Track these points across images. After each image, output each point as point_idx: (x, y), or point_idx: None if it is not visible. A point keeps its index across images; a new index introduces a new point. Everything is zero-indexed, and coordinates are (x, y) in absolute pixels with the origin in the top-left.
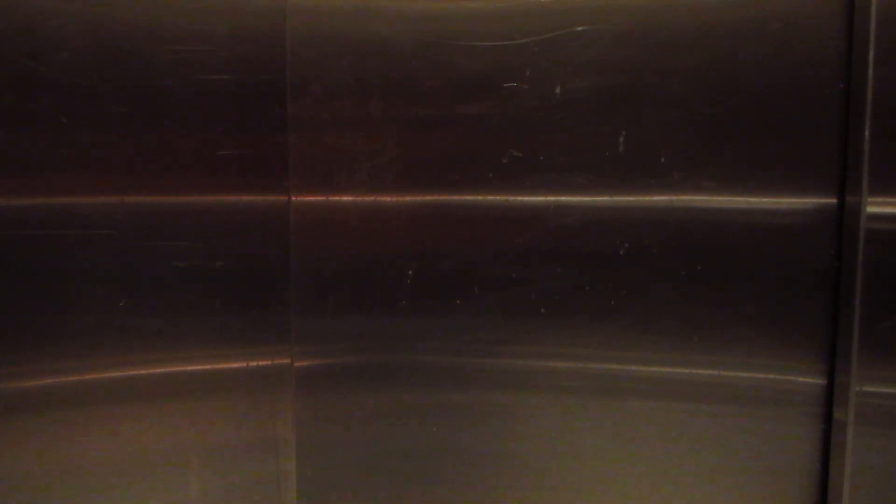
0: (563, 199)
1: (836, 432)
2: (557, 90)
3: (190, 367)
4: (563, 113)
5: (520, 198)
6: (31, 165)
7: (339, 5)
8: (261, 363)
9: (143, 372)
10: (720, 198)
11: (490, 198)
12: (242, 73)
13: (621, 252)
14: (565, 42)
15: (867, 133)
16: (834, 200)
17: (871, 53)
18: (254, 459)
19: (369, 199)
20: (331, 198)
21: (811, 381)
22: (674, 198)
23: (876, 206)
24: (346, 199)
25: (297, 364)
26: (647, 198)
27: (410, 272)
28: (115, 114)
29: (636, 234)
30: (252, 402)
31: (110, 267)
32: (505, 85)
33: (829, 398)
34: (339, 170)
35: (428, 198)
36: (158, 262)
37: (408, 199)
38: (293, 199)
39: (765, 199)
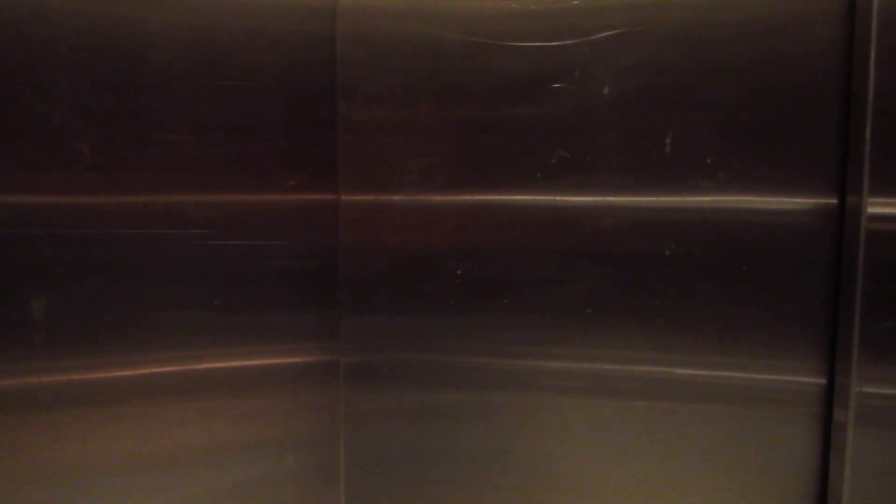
0: (609, 199)
1: (836, 432)
2: (605, 90)
3: (240, 363)
4: (611, 113)
5: (567, 198)
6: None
7: (388, 6)
8: (310, 359)
9: (193, 367)
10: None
11: (537, 198)
12: (293, 75)
13: (667, 252)
14: (613, 42)
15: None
16: (834, 200)
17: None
18: (304, 452)
19: (418, 198)
20: (379, 197)
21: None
22: (719, 198)
23: (877, 207)
24: (395, 198)
25: (344, 361)
26: (693, 198)
27: (458, 271)
28: (190, 114)
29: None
30: (302, 398)
31: (175, 265)
32: (553, 86)
33: (830, 398)
34: (388, 169)
35: (476, 197)
36: (211, 260)
37: (456, 198)
38: (342, 198)
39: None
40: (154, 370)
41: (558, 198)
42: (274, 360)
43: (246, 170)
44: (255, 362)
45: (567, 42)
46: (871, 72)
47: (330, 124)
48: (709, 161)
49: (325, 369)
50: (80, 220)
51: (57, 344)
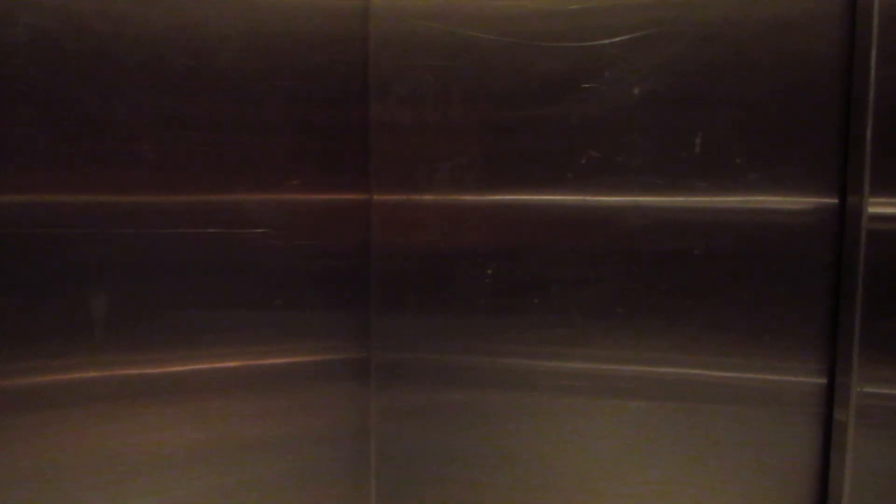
0: (640, 199)
1: (836, 432)
2: (636, 91)
3: (275, 361)
4: (641, 114)
5: (597, 198)
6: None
7: (420, 7)
8: (343, 357)
9: (229, 364)
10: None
11: (567, 198)
12: (325, 76)
13: (696, 252)
14: (644, 42)
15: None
16: (835, 200)
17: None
18: (337, 445)
19: (448, 198)
20: (411, 197)
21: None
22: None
23: (878, 207)
24: (426, 198)
25: (376, 358)
26: (722, 198)
27: (489, 270)
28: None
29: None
30: (334, 393)
31: (208, 264)
32: (584, 86)
33: (830, 398)
34: (420, 169)
35: (506, 197)
36: (246, 258)
37: (486, 198)
38: (374, 198)
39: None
40: (193, 367)
41: (588, 198)
42: (307, 358)
43: (279, 170)
44: (289, 360)
45: (598, 42)
46: (872, 71)
47: (362, 125)
48: (736, 160)
49: (357, 367)
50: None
51: (113, 340)
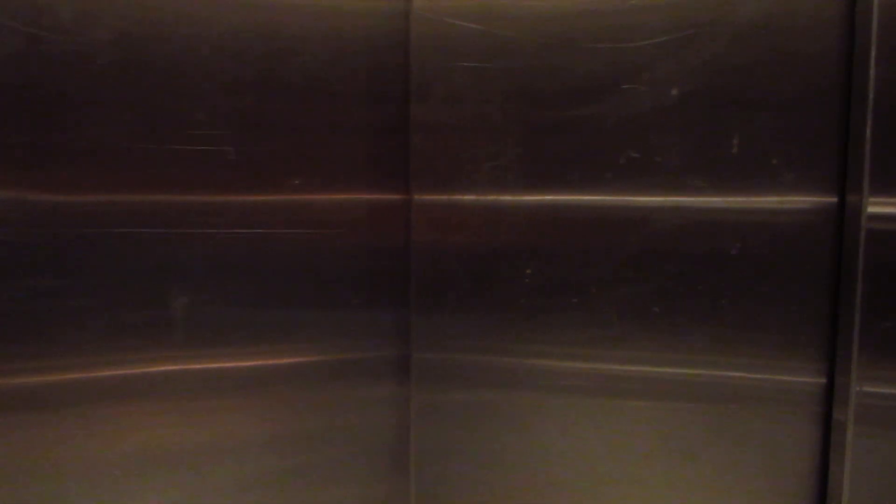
0: (678, 199)
1: (835, 432)
2: (674, 92)
3: (317, 358)
4: (679, 114)
5: (636, 198)
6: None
7: (462, 8)
8: (384, 355)
9: (270, 362)
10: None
11: (607, 198)
12: (366, 77)
13: (733, 252)
14: (682, 43)
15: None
16: (833, 199)
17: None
18: (378, 441)
19: (488, 198)
20: (450, 197)
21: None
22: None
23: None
24: (466, 198)
25: (415, 357)
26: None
27: (528, 270)
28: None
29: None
30: (375, 390)
31: (251, 263)
32: (623, 86)
33: (830, 398)
34: (459, 170)
35: (546, 197)
36: (287, 257)
37: (526, 198)
38: (414, 198)
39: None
40: (255, 363)
41: (627, 198)
42: (349, 355)
43: (321, 170)
44: (333, 357)
45: (637, 42)
46: (872, 70)
47: (402, 125)
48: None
49: (397, 365)
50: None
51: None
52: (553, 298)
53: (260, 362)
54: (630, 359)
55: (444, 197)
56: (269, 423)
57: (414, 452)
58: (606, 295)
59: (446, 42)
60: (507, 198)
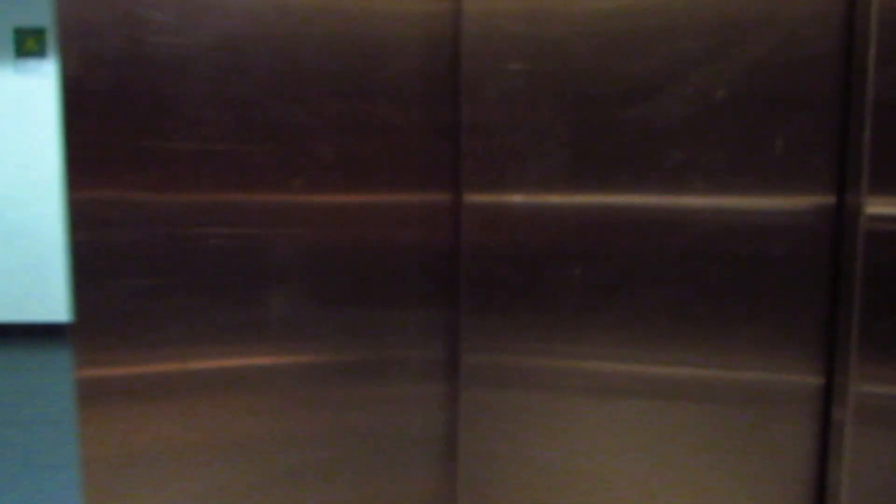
0: (724, 200)
1: (834, 432)
2: (721, 93)
3: (372, 356)
4: (726, 116)
5: (683, 198)
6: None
7: (513, 8)
8: (432, 355)
9: (337, 358)
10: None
11: (655, 199)
12: (418, 77)
13: (778, 254)
14: (728, 45)
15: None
16: (832, 199)
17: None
18: (427, 440)
19: (537, 199)
20: (500, 198)
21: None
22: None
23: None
24: (516, 198)
25: (464, 359)
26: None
27: (576, 271)
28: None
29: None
30: (424, 391)
31: (306, 264)
32: (671, 87)
33: (828, 398)
34: (509, 171)
35: (595, 198)
36: (338, 257)
37: (575, 199)
38: (464, 199)
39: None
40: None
41: (675, 199)
42: (400, 355)
43: (372, 171)
44: (384, 355)
45: (688, 42)
46: (871, 70)
47: (453, 126)
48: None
49: (446, 366)
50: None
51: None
52: (600, 299)
53: (307, 359)
54: (688, 362)
55: (493, 197)
56: (319, 417)
57: (462, 451)
58: (653, 296)
59: (497, 43)
60: (555, 198)
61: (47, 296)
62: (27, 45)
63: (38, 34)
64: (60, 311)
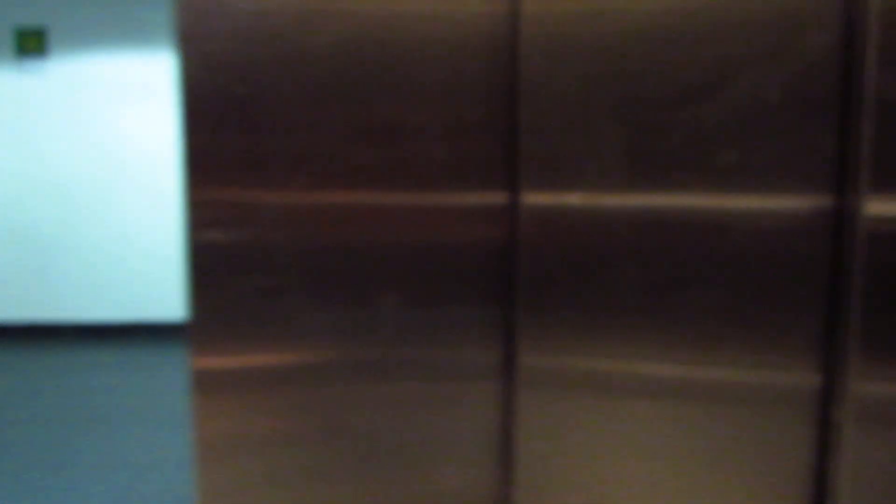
0: (779, 202)
1: (833, 433)
2: (776, 94)
3: (430, 358)
4: (780, 116)
5: (737, 199)
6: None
7: (570, 10)
8: (490, 356)
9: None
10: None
11: (712, 199)
12: (477, 78)
13: (828, 256)
14: (784, 47)
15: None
16: (831, 199)
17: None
18: (485, 442)
19: (594, 199)
20: (558, 199)
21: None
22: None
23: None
24: (573, 199)
25: (521, 360)
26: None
27: (631, 272)
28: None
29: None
30: (478, 393)
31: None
32: (726, 88)
33: (827, 398)
34: (567, 171)
35: (651, 198)
36: (396, 258)
37: (632, 199)
38: (523, 199)
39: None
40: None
41: (733, 200)
42: (454, 356)
43: (431, 172)
44: (441, 357)
45: (745, 41)
46: (871, 69)
47: (512, 127)
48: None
49: (503, 367)
50: None
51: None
52: (657, 300)
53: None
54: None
55: (551, 197)
56: (376, 413)
57: (519, 452)
58: (710, 298)
59: (555, 44)
60: (612, 198)
61: (47, 295)
62: (28, 44)
63: (38, 34)
64: (60, 311)
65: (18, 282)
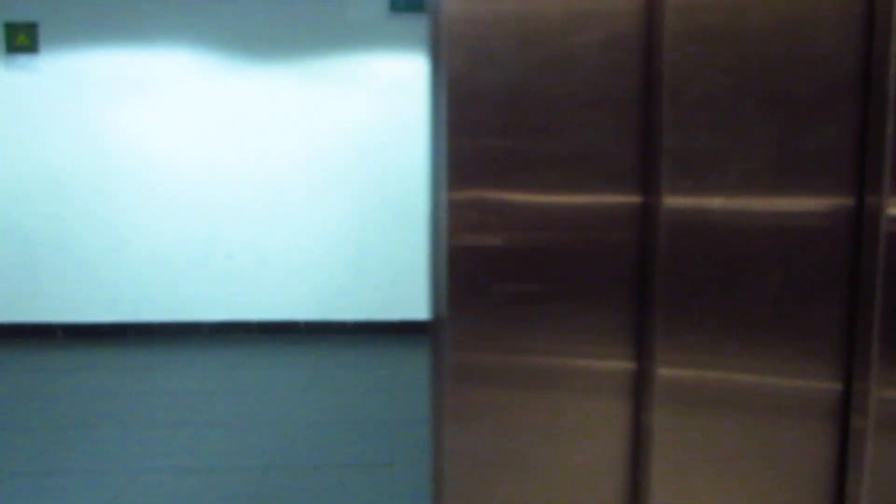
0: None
1: (853, 440)
2: None
3: (559, 362)
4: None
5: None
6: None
7: (715, 4)
8: (625, 366)
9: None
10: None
11: (853, 202)
12: (612, 76)
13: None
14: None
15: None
16: (852, 200)
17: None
18: (609, 458)
19: (737, 201)
20: (700, 200)
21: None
22: None
23: None
24: (715, 201)
25: (658, 371)
26: None
27: (773, 277)
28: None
29: None
30: (612, 400)
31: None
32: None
33: (847, 405)
34: (710, 172)
35: (796, 201)
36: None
37: (776, 202)
38: (663, 201)
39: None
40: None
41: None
42: (591, 364)
43: (570, 174)
44: (574, 363)
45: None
46: (892, 67)
47: (654, 127)
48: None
49: (637, 378)
50: None
51: None
52: (800, 307)
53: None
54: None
55: (692, 200)
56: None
57: (654, 466)
58: (850, 303)
59: (699, 39)
60: (755, 201)
61: (37, 296)
62: (18, 39)
63: (29, 29)
64: (51, 312)
65: (7, 282)
